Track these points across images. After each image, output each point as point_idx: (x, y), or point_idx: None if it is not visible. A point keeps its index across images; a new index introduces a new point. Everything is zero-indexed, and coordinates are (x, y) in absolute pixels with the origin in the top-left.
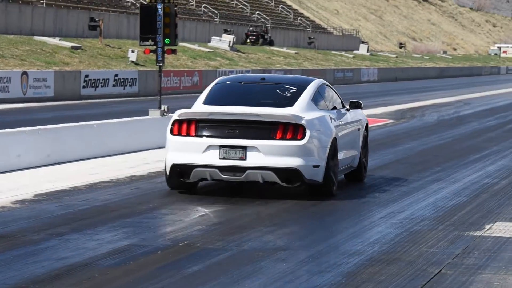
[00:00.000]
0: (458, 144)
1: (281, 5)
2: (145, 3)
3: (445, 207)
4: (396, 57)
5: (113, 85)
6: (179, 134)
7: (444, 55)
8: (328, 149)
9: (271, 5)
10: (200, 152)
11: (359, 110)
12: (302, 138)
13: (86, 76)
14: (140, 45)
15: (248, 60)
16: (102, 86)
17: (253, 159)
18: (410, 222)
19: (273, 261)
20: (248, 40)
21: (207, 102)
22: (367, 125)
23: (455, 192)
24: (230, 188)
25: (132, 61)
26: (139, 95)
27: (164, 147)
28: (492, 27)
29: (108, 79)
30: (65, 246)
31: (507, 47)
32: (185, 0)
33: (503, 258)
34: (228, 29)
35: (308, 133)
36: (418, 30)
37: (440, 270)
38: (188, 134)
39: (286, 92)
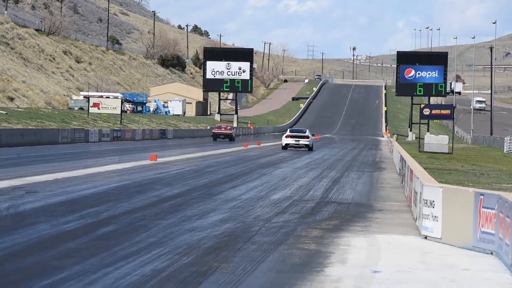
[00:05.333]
0: (15, 262)
1: None
2: None
3: None
4: None
5: None
6: (286, 137)
7: None
8: (311, 141)
9: None
10: (289, 141)
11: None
12: (308, 138)
13: None
14: None
15: None
16: None
17: (300, 142)
18: None
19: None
20: None
21: (290, 132)
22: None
23: None
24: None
25: None
26: None
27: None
28: (75, 62)
29: None
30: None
31: (101, 97)
32: None
33: None
34: None
35: (310, 137)
36: None
37: None
38: (287, 137)
39: (304, 130)
